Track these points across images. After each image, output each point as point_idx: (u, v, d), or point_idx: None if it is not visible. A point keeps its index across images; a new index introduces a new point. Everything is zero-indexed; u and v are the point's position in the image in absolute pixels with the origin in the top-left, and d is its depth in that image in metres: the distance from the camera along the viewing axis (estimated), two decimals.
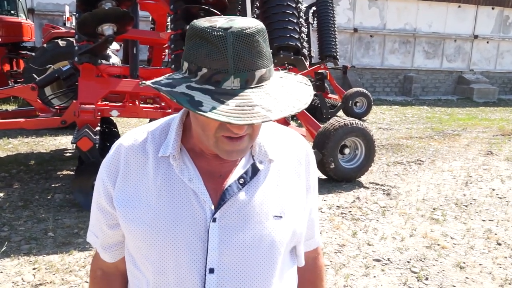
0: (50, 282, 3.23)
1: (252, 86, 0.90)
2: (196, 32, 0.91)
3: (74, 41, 5.73)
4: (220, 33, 0.87)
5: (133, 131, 1.13)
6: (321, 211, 4.85)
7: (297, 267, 1.24)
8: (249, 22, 0.91)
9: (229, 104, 0.86)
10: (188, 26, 0.95)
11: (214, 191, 1.04)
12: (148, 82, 0.95)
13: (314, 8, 12.02)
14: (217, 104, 0.85)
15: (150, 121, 5.55)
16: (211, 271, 1.01)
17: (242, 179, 1.05)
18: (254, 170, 1.07)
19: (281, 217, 1.07)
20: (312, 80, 10.59)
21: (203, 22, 0.91)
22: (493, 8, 19.26)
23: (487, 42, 19.62)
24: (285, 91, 0.93)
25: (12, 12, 11.54)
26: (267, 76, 0.92)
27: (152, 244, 1.01)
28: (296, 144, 1.17)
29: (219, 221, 1.02)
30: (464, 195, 5.67)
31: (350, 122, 5.76)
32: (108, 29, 4.66)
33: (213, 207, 1.02)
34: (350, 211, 4.89)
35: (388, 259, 3.81)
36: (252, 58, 0.89)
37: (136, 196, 1.04)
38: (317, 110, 10.24)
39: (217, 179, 1.05)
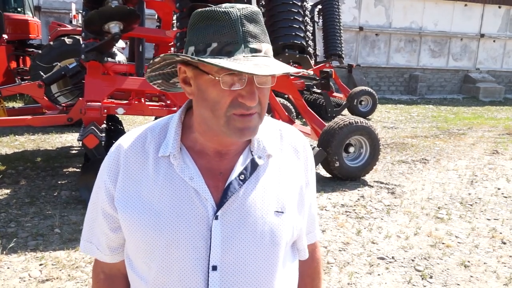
0: (57, 278, 3.26)
1: (260, 55, 0.94)
2: (201, 16, 0.96)
3: (80, 38, 5.77)
4: (227, 9, 0.93)
5: (132, 132, 1.13)
6: (325, 209, 4.86)
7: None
8: (250, 5, 0.97)
9: (246, 64, 0.89)
10: (191, 16, 1.00)
11: (215, 189, 1.04)
12: (159, 58, 1.00)
13: (319, 6, 12.00)
14: (236, 64, 0.89)
15: (156, 119, 5.59)
16: (214, 268, 1.01)
17: (243, 175, 1.05)
18: (254, 166, 1.07)
19: (282, 212, 1.08)
20: (317, 78, 10.58)
21: (206, 8, 0.97)
22: (499, 7, 19.15)
23: (494, 41, 19.52)
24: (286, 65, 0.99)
25: (18, 9, 11.60)
26: (270, 54, 0.98)
27: (155, 244, 1.01)
28: (293, 139, 1.18)
29: (221, 219, 1.02)
30: (469, 194, 5.66)
31: (355, 121, 5.76)
32: (114, 27, 4.68)
33: (215, 205, 1.02)
34: (355, 210, 4.89)
35: (393, 257, 3.81)
36: (257, 31, 0.95)
37: (137, 196, 1.04)
38: (322, 109, 10.24)
39: (218, 177, 1.06)
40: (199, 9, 0.97)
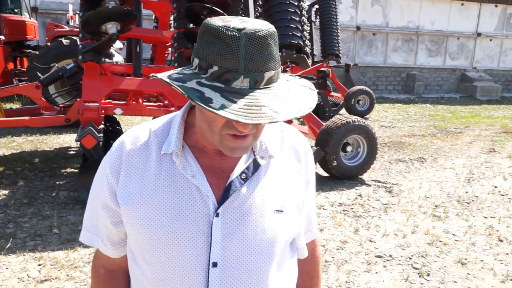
0: (55, 278, 3.27)
1: (261, 87, 0.91)
2: (209, 30, 0.92)
3: (77, 39, 5.77)
4: (234, 33, 0.89)
5: (134, 129, 1.14)
6: (323, 208, 4.88)
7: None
8: (262, 25, 0.93)
9: (237, 103, 0.87)
10: (202, 24, 0.97)
11: (217, 187, 1.06)
12: (160, 75, 0.96)
13: (316, 6, 12.02)
14: (226, 102, 0.86)
15: (153, 119, 5.60)
16: (215, 265, 1.02)
17: (244, 175, 1.07)
18: (256, 166, 1.09)
19: (282, 211, 1.10)
20: (315, 78, 10.61)
21: (217, 21, 0.92)
22: (496, 6, 19.21)
23: (490, 40, 19.57)
24: (292, 94, 0.95)
25: (15, 10, 11.59)
26: (275, 78, 0.94)
27: (156, 239, 1.03)
28: (295, 140, 1.19)
29: (222, 216, 1.03)
30: (466, 192, 5.68)
31: (352, 120, 5.78)
32: (111, 27, 4.69)
33: (216, 202, 1.04)
34: (352, 208, 4.91)
35: (390, 255, 3.83)
36: (262, 60, 0.91)
37: (139, 192, 1.06)
38: (320, 108, 10.25)
39: (219, 175, 1.07)
40: (211, 21, 0.94)
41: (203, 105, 0.85)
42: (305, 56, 8.02)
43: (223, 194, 1.04)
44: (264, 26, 0.92)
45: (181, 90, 0.89)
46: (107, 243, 1.16)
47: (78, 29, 7.06)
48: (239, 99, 0.87)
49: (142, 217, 1.04)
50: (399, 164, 6.98)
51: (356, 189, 5.59)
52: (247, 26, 0.90)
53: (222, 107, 0.85)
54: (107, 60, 5.45)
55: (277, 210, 1.08)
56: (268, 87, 0.92)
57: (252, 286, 1.06)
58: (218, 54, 0.90)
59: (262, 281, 1.07)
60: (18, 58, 11.60)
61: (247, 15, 5.45)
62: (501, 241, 4.22)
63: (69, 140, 7.71)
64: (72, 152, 6.93)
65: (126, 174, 1.07)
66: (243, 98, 0.88)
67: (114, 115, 6.06)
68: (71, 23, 10.69)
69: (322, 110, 10.10)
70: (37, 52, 9.29)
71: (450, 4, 18.51)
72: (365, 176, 6.11)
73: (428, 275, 3.52)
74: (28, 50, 11.39)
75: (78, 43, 5.35)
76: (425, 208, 5.03)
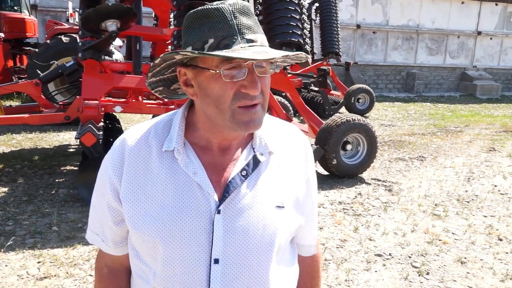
0: (55, 275, 3.26)
1: (257, 45, 0.97)
2: (194, 16, 0.98)
3: (77, 37, 5.76)
4: (218, 6, 0.96)
5: (135, 127, 1.14)
6: (323, 207, 4.88)
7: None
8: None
9: (245, 53, 0.92)
10: (184, 18, 1.01)
11: (218, 184, 1.06)
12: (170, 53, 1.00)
13: (317, 4, 12.00)
14: (236, 53, 0.92)
15: (153, 117, 5.60)
16: (216, 261, 1.03)
17: (245, 171, 1.07)
18: (256, 162, 1.09)
19: (283, 207, 1.10)
20: (315, 76, 10.60)
21: (197, 9, 0.99)
22: (496, 4, 19.19)
23: (491, 39, 19.56)
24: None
25: (15, 8, 11.58)
26: (266, 44, 1.01)
27: (158, 236, 1.03)
28: (294, 137, 1.20)
29: (223, 213, 1.04)
30: (466, 191, 5.68)
31: (352, 119, 5.78)
32: (111, 25, 4.68)
33: (217, 199, 1.04)
34: (352, 207, 4.91)
35: (390, 254, 3.83)
36: (250, 23, 0.98)
37: (141, 190, 1.06)
38: (320, 107, 10.25)
39: (220, 172, 1.08)
40: (191, 11, 0.99)
41: (217, 54, 0.90)
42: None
43: (224, 191, 1.05)
44: (242, 1, 1.00)
45: (190, 51, 0.94)
46: (109, 243, 1.16)
47: (77, 27, 7.05)
48: (245, 50, 0.93)
49: (145, 215, 1.04)
50: (399, 162, 6.98)
51: (356, 188, 5.59)
52: (226, 1, 0.98)
53: (234, 55, 0.90)
54: (106, 57, 5.44)
55: (278, 206, 1.09)
56: (263, 46, 0.98)
57: (254, 282, 1.06)
58: (210, 29, 0.96)
59: (263, 277, 1.07)
60: (18, 56, 11.59)
61: None
62: (501, 240, 4.22)
63: (68, 137, 7.71)
64: (71, 150, 6.93)
65: (128, 173, 1.07)
66: (248, 50, 0.93)
67: (113, 113, 6.05)
68: (71, 21, 10.70)
69: (322, 109, 10.11)
70: (36, 50, 9.29)
71: (451, 3, 18.49)
72: (365, 175, 6.11)
73: (428, 274, 3.52)
74: (28, 48, 11.39)
75: (78, 40, 5.34)
76: (425, 207, 5.03)
